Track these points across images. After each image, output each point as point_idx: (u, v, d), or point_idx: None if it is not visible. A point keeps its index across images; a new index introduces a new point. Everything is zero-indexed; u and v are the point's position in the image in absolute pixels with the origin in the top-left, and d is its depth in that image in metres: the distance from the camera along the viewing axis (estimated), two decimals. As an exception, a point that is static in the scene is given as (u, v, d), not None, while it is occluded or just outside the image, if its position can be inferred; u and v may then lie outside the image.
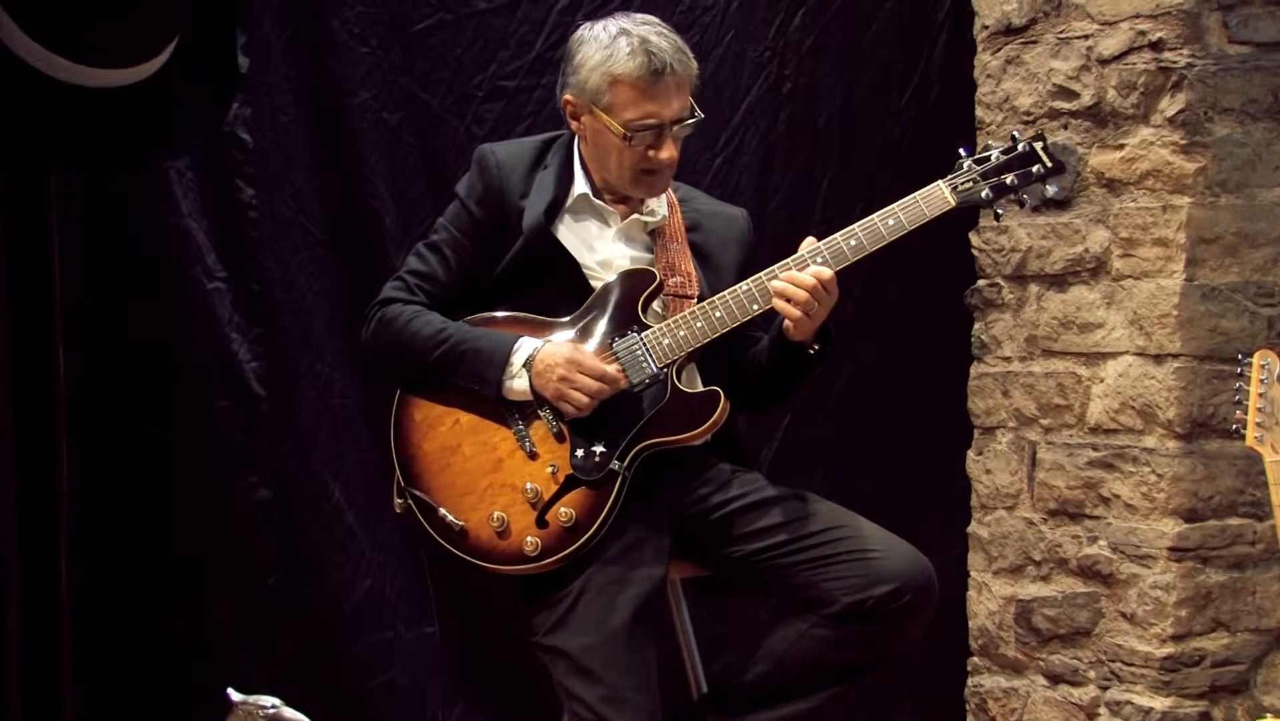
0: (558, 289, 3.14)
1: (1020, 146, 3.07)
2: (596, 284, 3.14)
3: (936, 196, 3.04)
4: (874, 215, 3.03)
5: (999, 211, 3.08)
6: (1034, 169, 3.06)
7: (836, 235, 3.04)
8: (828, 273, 3.00)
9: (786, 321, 3.05)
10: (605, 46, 3.09)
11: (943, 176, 3.08)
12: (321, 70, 4.05)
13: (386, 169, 4.11)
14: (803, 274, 3.00)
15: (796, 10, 4.40)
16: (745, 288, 3.06)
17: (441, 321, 3.12)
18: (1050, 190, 3.08)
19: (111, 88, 3.54)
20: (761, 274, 3.05)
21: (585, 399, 3.01)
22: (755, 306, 3.05)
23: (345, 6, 4.04)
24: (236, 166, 3.95)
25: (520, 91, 4.22)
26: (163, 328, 3.89)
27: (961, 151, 3.09)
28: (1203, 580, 3.96)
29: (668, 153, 3.10)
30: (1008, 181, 3.05)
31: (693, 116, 3.13)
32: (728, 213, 3.37)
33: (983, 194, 3.05)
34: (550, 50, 4.21)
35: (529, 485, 3.02)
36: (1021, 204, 3.10)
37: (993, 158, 3.06)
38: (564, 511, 2.99)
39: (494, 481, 3.05)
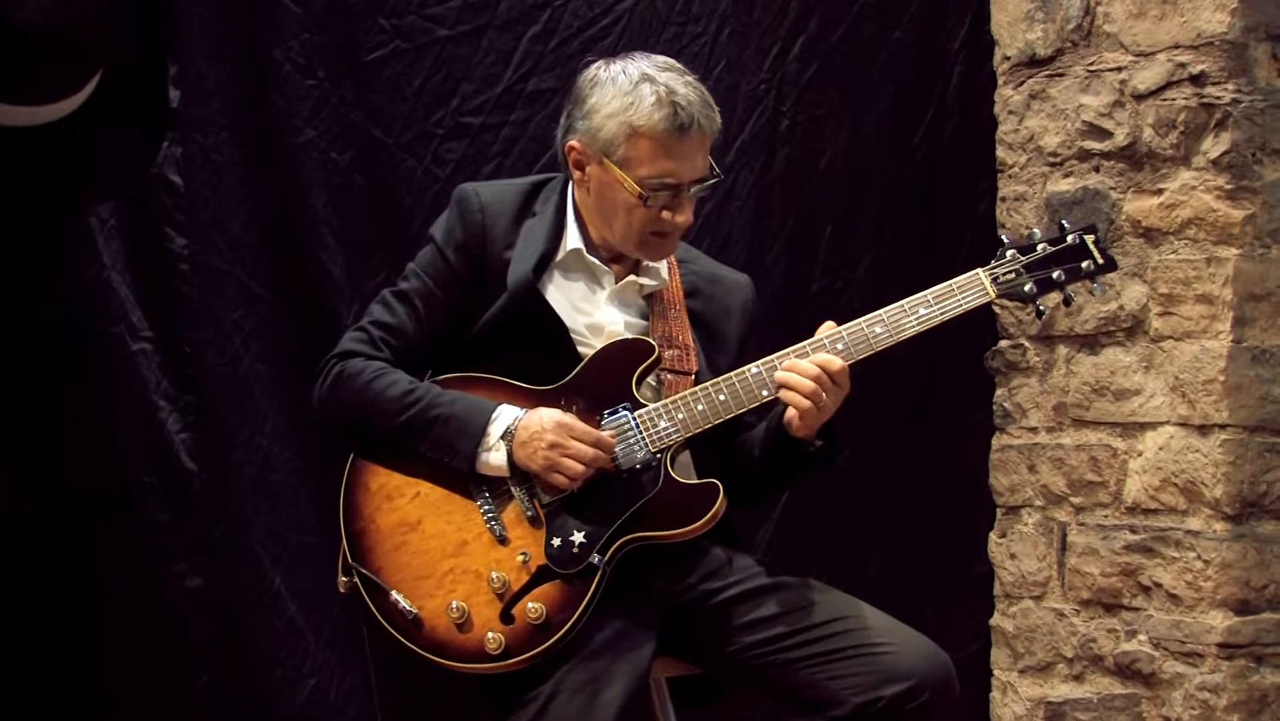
0: (541, 354, 3.13)
1: (1070, 239, 3.11)
2: (584, 351, 3.14)
3: (975, 286, 3.07)
4: (903, 301, 3.05)
5: (1041, 309, 3.12)
6: (1083, 265, 3.10)
7: (860, 320, 3.05)
8: (837, 363, 3.01)
9: (789, 413, 3.04)
10: (626, 93, 3.08)
11: (980, 261, 3.09)
12: (262, 105, 4.06)
13: (335, 215, 4.11)
14: (806, 362, 3.01)
15: (795, 39, 4.43)
16: (755, 371, 3.05)
17: (409, 382, 3.10)
18: (1098, 289, 3.12)
19: (27, 127, 3.55)
20: (773, 356, 3.05)
21: (580, 467, 2.99)
22: (765, 393, 3.05)
23: (289, 34, 4.05)
24: (166, 212, 3.94)
25: (486, 129, 4.23)
26: (80, 394, 3.87)
27: (1004, 239, 3.12)
28: (1257, 681, 3.95)
29: (685, 216, 3.10)
30: (1054, 276, 3.09)
31: (713, 176, 3.14)
32: (731, 278, 3.37)
33: (1026, 288, 3.08)
34: (520, 82, 4.23)
35: (495, 574, 2.99)
36: (1068, 301, 3.14)
37: (1039, 249, 3.10)
38: (533, 606, 2.96)
39: (456, 566, 3.02)
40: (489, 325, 3.13)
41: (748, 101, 4.42)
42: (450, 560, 3.03)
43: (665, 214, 3.09)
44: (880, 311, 3.05)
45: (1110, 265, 3.11)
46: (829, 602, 3.11)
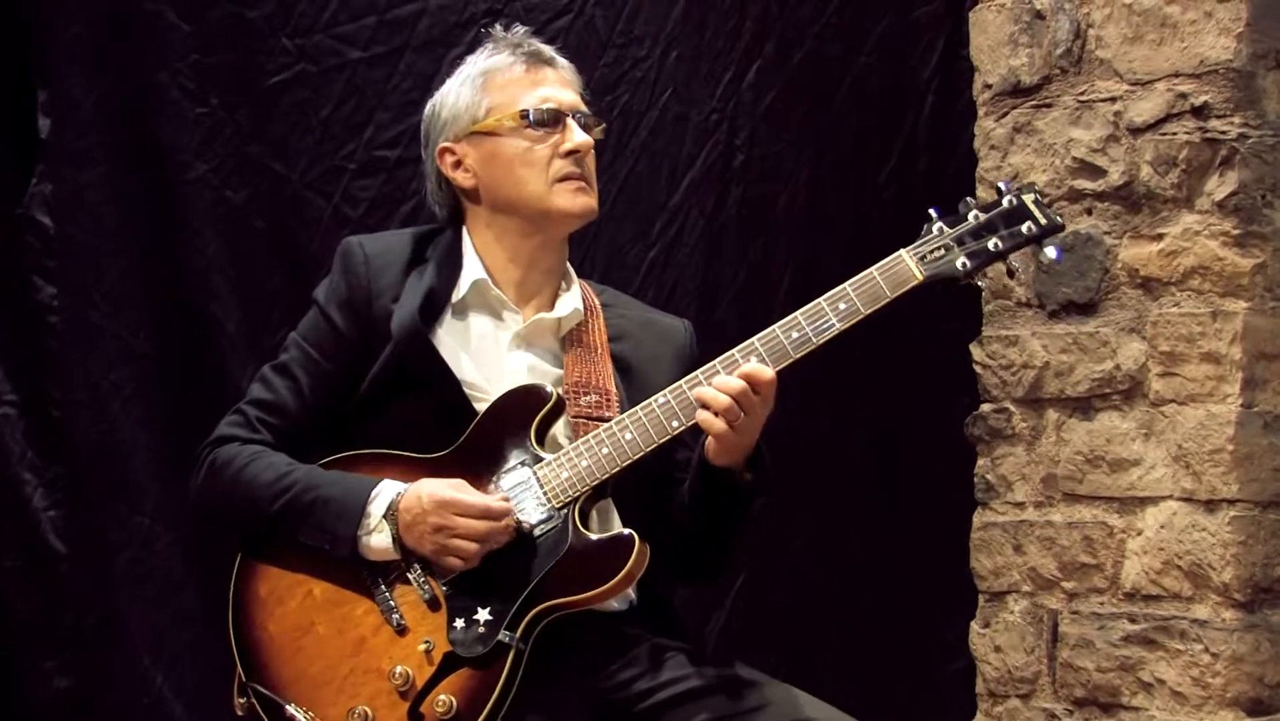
0: (433, 413, 3.12)
1: (1006, 201, 3.05)
2: (481, 406, 3.12)
3: (899, 270, 3.00)
4: (820, 299, 3.00)
5: (980, 284, 3.06)
6: (1024, 227, 3.04)
7: (774, 326, 3.01)
8: (767, 373, 2.97)
9: (709, 440, 3.01)
10: (464, 67, 3.27)
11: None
12: (145, 136, 4.05)
13: (230, 261, 4.11)
14: (729, 376, 2.96)
15: (750, 64, 4.42)
16: (662, 400, 3.02)
17: (286, 464, 3.10)
18: (1049, 253, 3.05)
19: None
20: (682, 381, 3.03)
21: (473, 546, 2.98)
22: (675, 424, 3.02)
23: (176, 55, 4.05)
24: (33, 258, 3.94)
25: (404, 163, 4.23)
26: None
27: (932, 212, 3.06)
28: (1271, 790, 3.93)
29: (580, 137, 3.16)
30: (990, 246, 3.02)
31: (595, 116, 3.24)
32: (663, 322, 3.37)
33: (958, 263, 3.01)
34: (443, 111, 4.22)
35: (398, 669, 2.98)
36: (1011, 273, 3.10)
37: (970, 217, 3.04)
38: (442, 700, 2.95)
39: (356, 667, 3.01)
40: (375, 384, 3.12)
41: (697, 133, 4.42)
42: (349, 661, 3.02)
43: (564, 145, 3.16)
44: (795, 314, 3.01)
45: (1055, 226, 3.05)
46: (779, 704, 3.06)
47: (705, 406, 2.96)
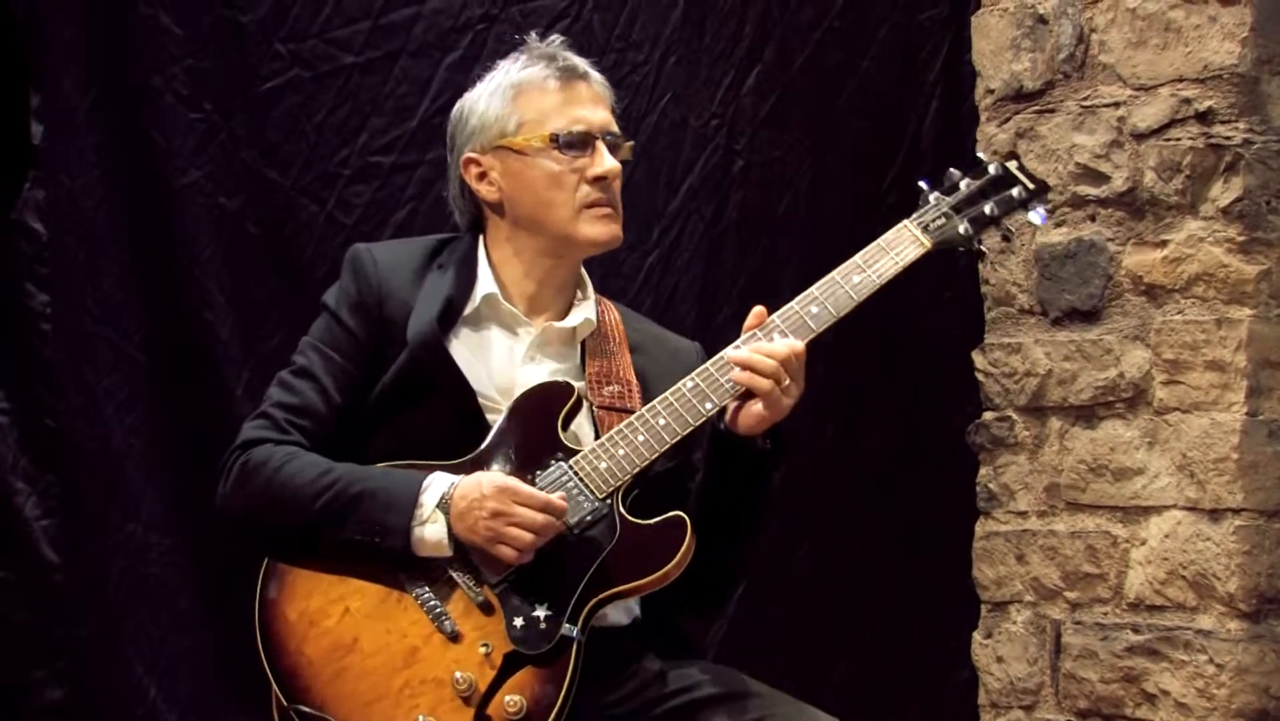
0: (446, 422, 3.11)
1: (992, 169, 3.17)
2: (493, 419, 3.11)
3: (906, 239, 3.10)
4: (833, 273, 3.09)
5: (983, 249, 3.16)
6: (1014, 192, 3.16)
7: (793, 303, 3.07)
8: (798, 345, 3.03)
9: (738, 411, 3.03)
10: (496, 74, 3.21)
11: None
12: (139, 141, 4.04)
13: (224, 267, 4.09)
14: (770, 343, 3.02)
15: (750, 68, 4.42)
16: (691, 384, 3.04)
17: (326, 462, 3.07)
18: (1038, 216, 3.18)
19: None
20: (709, 363, 3.05)
21: (529, 536, 2.96)
22: (709, 405, 3.03)
23: (171, 59, 4.04)
24: (25, 264, 3.92)
25: (399, 169, 4.22)
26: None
27: (922, 184, 3.17)
28: (1277, 802, 3.93)
29: (610, 162, 3.15)
30: (986, 211, 3.14)
31: (626, 136, 3.21)
32: (675, 342, 3.39)
33: (960, 229, 3.12)
34: (438, 115, 4.21)
35: (459, 674, 2.95)
36: (1007, 237, 3.22)
37: (962, 186, 3.16)
38: (510, 700, 2.93)
39: (410, 678, 2.98)
40: (386, 390, 3.12)
41: (697, 139, 4.41)
42: (402, 673, 2.99)
43: (591, 171, 3.15)
44: (811, 290, 3.07)
45: (1043, 188, 3.18)
46: (782, 715, 3.06)
47: (751, 369, 3.00)
